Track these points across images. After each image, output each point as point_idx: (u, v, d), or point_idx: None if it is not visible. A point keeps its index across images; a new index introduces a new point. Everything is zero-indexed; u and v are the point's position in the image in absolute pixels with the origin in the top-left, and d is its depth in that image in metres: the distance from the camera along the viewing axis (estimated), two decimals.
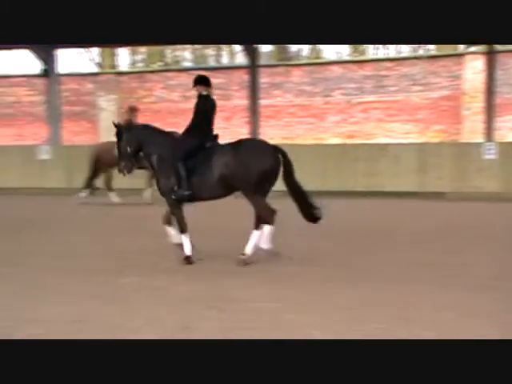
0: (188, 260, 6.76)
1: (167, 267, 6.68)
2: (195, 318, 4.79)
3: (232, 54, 29.56)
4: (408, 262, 6.75)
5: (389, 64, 19.85)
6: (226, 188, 6.75)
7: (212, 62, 29.72)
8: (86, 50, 19.61)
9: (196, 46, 28.01)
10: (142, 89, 21.18)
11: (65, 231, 9.35)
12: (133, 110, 12.30)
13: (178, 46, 27.24)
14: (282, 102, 20.33)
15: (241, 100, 19.40)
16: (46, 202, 13.31)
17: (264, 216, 6.62)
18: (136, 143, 7.03)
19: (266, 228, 6.62)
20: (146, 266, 6.75)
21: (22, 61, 39.80)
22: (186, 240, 6.80)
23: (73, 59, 31.96)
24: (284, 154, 6.76)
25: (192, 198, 6.83)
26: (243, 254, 6.65)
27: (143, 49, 28.16)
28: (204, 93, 6.93)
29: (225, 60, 29.87)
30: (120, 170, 7.27)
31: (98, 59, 26.91)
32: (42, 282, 6.07)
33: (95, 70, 24.70)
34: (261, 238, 6.67)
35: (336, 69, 20.33)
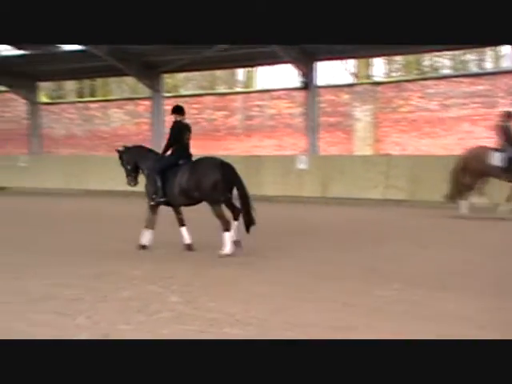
0: (142, 248, 8.53)
1: (423, 281, 6.51)
2: (459, 335, 4.55)
3: (497, 58, 27.85)
4: None
5: None
6: (188, 198, 8.38)
7: (474, 68, 28.35)
8: (343, 61, 20.15)
9: (456, 52, 26.98)
10: (398, 98, 21.07)
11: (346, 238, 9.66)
12: (509, 115, 12.25)
13: (437, 53, 26.52)
14: None
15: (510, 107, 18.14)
16: (303, 210, 13.92)
17: (221, 223, 8.06)
18: (133, 161, 9.00)
19: (226, 234, 7.98)
20: (402, 277, 6.65)
21: (283, 75, 42.38)
22: (147, 234, 8.59)
23: (330, 71, 33.19)
24: (231, 169, 8.21)
25: (168, 204, 8.58)
26: (223, 251, 7.97)
27: (399, 58, 28.02)
28: (178, 119, 8.73)
29: (488, 65, 28.27)
30: (128, 183, 9.21)
31: (353, 70, 27.55)
32: (306, 286, 6.34)
33: (351, 80, 25.30)
34: (233, 234, 8.12)
35: None
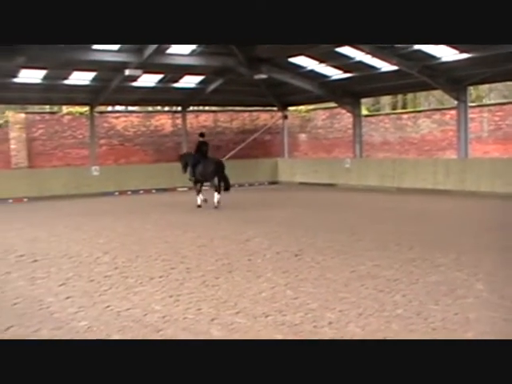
0: (199, 206, 13.41)
1: None
2: None
3: None
4: None
5: None
6: (203, 178, 13.39)
7: None
8: None
9: None
10: None
11: None
12: None
13: None
14: None
15: None
16: None
17: (214, 189, 13.17)
18: (184, 160, 13.95)
19: (216, 194, 13.18)
20: None
21: None
22: (198, 198, 13.56)
23: None
24: (221, 165, 13.23)
25: (198, 181, 13.61)
26: (214, 204, 13.13)
27: None
28: (201, 139, 13.78)
29: None
30: (183, 172, 14.09)
31: None
32: None
33: None
34: (217, 197, 13.18)
35: None
